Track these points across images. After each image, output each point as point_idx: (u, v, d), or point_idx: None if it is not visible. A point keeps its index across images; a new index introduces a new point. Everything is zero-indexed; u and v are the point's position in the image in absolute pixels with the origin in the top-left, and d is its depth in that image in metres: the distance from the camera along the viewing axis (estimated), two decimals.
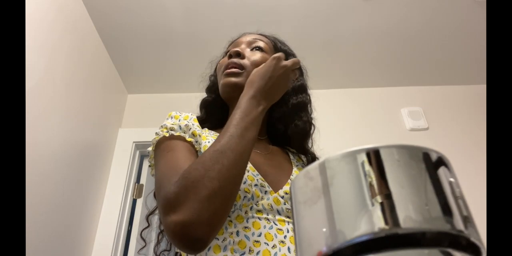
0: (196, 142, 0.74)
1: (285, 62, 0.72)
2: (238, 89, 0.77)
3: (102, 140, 1.91)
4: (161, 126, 0.76)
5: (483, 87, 2.24)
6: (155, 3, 1.78)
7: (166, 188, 0.59)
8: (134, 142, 2.03)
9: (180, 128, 0.74)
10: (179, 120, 0.77)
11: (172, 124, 0.75)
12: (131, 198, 1.91)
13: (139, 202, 1.94)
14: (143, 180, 2.02)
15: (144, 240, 0.88)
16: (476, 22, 1.90)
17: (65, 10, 1.58)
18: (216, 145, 0.60)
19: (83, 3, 1.74)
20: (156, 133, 0.75)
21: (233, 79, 0.81)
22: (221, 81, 0.84)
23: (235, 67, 0.82)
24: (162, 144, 0.73)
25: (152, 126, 2.04)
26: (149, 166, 0.80)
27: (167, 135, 0.73)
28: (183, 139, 0.73)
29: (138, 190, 1.97)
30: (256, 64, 0.81)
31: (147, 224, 0.86)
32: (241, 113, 0.65)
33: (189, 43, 1.96)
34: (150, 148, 0.78)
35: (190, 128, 0.75)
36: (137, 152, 2.06)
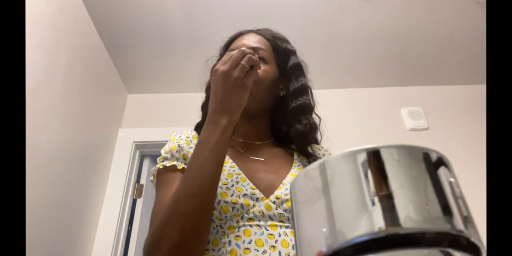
0: None
1: (221, 68, 0.67)
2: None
3: (102, 140, 1.91)
4: (160, 153, 0.79)
5: (483, 87, 2.24)
6: (155, 3, 1.78)
7: (146, 239, 0.64)
8: (134, 142, 2.03)
9: (172, 156, 0.77)
10: (173, 143, 0.79)
11: (166, 153, 0.78)
12: (131, 198, 1.91)
13: (139, 202, 1.94)
14: (143, 180, 2.02)
15: None
16: (476, 22, 1.90)
17: (65, 10, 1.58)
18: (174, 193, 0.63)
19: (83, 3, 1.74)
20: (157, 161, 0.79)
21: None
22: None
23: None
24: (158, 177, 0.77)
25: (152, 126, 2.07)
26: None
27: (161, 166, 0.76)
28: (174, 169, 0.75)
29: (138, 190, 1.97)
30: (259, 80, 0.77)
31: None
32: (197, 147, 0.65)
33: (189, 43, 1.96)
34: (151, 178, 0.81)
35: (181, 152, 0.77)
36: (137, 152, 2.06)
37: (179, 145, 0.78)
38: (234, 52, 0.68)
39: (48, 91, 1.41)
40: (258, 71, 0.75)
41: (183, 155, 0.77)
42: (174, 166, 0.75)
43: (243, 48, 0.69)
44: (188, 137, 0.82)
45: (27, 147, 1.21)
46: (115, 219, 1.77)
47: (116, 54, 2.01)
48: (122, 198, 1.83)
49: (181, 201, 0.61)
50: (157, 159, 0.79)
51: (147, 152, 2.08)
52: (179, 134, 0.83)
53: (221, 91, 0.66)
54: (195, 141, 0.80)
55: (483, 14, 1.86)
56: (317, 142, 0.91)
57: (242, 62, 0.67)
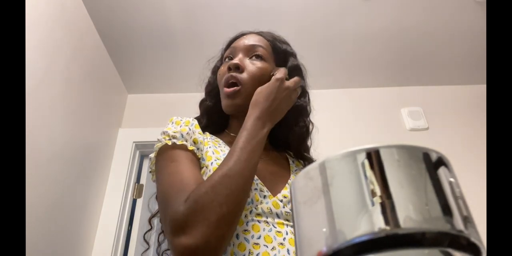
0: (198, 149, 0.75)
1: (287, 83, 0.75)
2: (238, 108, 0.81)
3: (102, 140, 1.91)
4: (163, 132, 0.76)
5: (483, 87, 2.24)
6: (155, 3, 1.78)
7: (174, 207, 0.60)
8: (134, 142, 2.03)
9: (182, 136, 0.74)
10: (181, 126, 0.76)
11: (174, 132, 0.74)
12: (131, 198, 1.91)
13: (139, 202, 1.94)
14: (143, 180, 2.02)
15: (147, 242, 0.88)
16: (476, 22, 1.90)
17: (65, 10, 1.58)
18: (224, 168, 0.62)
19: (83, 3, 1.74)
20: (158, 140, 0.75)
21: (233, 101, 0.81)
22: (222, 100, 0.84)
23: (234, 83, 0.82)
24: (165, 153, 0.73)
25: (152, 126, 2.06)
26: (150, 172, 0.79)
27: (170, 143, 0.72)
28: (185, 148, 0.73)
29: (138, 190, 1.97)
30: (254, 77, 0.81)
31: (149, 227, 0.87)
32: (248, 135, 0.67)
33: (189, 43, 1.96)
34: (152, 155, 0.77)
35: (191, 136, 0.75)
36: (137, 152, 2.06)
37: (189, 129, 0.76)
38: (298, 78, 0.79)
39: (48, 91, 1.41)
40: (252, 67, 0.83)
41: (194, 138, 0.75)
42: (185, 145, 0.73)
43: (298, 78, 0.80)
44: (192, 124, 0.79)
45: (27, 147, 1.21)
46: (115, 219, 1.76)
47: (116, 54, 2.01)
48: (122, 198, 1.83)
49: (233, 177, 0.61)
50: (159, 138, 0.75)
51: (147, 152, 2.08)
52: (180, 119, 0.80)
53: (279, 101, 0.74)
54: (197, 130, 0.79)
55: (483, 14, 1.86)
56: (307, 150, 0.91)
57: (298, 89, 0.79)
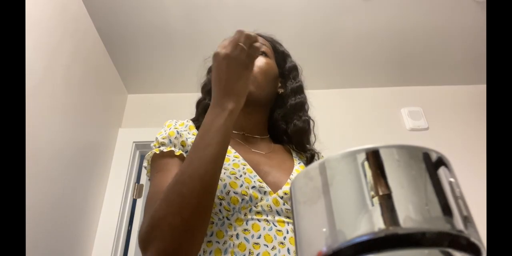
0: (186, 152, 0.74)
1: (222, 51, 0.64)
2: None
3: (102, 140, 1.91)
4: (155, 138, 0.77)
5: (483, 87, 2.24)
6: (155, 3, 1.78)
7: (142, 223, 0.61)
8: (134, 142, 2.03)
9: (170, 142, 0.75)
10: (170, 129, 0.78)
11: (163, 138, 0.76)
12: (131, 198, 1.91)
13: (139, 202, 1.94)
14: (143, 180, 2.02)
15: None
16: (476, 22, 1.90)
17: (65, 10, 1.58)
18: (177, 175, 0.60)
19: (83, 3, 1.74)
20: (151, 147, 0.77)
21: None
22: None
23: None
24: (154, 162, 0.74)
25: (152, 126, 2.06)
26: (149, 180, 0.80)
27: (158, 151, 0.73)
28: (172, 155, 0.73)
29: (138, 190, 1.97)
30: (263, 70, 0.83)
31: None
32: (202, 130, 0.63)
33: (189, 43, 1.96)
34: (145, 163, 0.78)
35: (179, 139, 0.76)
36: (137, 152, 2.06)
37: (177, 132, 0.77)
38: (235, 33, 0.66)
39: (48, 91, 1.41)
40: (261, 63, 0.80)
41: (182, 141, 0.75)
42: (172, 151, 0.73)
43: (241, 29, 0.65)
44: (186, 126, 0.81)
45: (27, 147, 1.21)
46: (115, 219, 1.77)
47: (116, 54, 2.01)
48: (122, 198, 1.83)
49: (184, 182, 0.58)
50: (152, 144, 0.76)
51: (147, 152, 2.07)
52: (174, 122, 0.81)
53: (225, 74, 0.63)
54: (192, 131, 0.80)
55: (483, 14, 1.86)
56: (309, 143, 0.92)
57: (240, 43, 0.64)
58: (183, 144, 0.75)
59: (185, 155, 0.74)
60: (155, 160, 0.74)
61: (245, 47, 0.64)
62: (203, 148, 0.60)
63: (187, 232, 0.57)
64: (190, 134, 0.78)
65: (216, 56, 0.65)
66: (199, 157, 0.59)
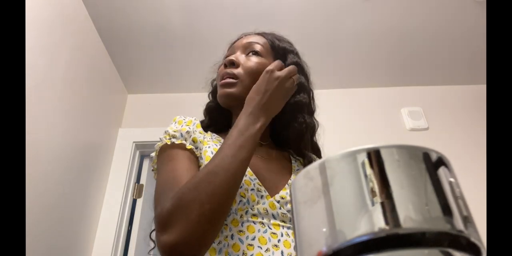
0: (197, 148, 0.76)
1: (278, 73, 0.73)
2: (234, 98, 0.81)
3: (102, 140, 1.91)
4: (165, 131, 0.78)
5: (483, 87, 2.24)
6: (155, 3, 1.78)
7: (161, 204, 0.61)
8: (134, 142, 2.03)
9: (182, 136, 0.76)
10: (182, 126, 0.78)
11: (174, 132, 0.76)
12: (131, 198, 1.91)
13: (139, 202, 1.94)
14: (143, 180, 2.02)
15: (153, 241, 0.89)
16: (476, 22, 1.90)
17: (65, 10, 1.58)
18: (210, 165, 0.62)
19: (83, 3, 1.74)
20: (160, 139, 0.77)
21: (227, 90, 0.82)
22: (218, 92, 0.85)
23: (229, 77, 0.82)
24: (164, 152, 0.75)
25: (152, 126, 2.06)
26: (152, 170, 0.82)
27: (169, 142, 0.75)
28: (183, 147, 0.74)
29: (138, 190, 1.97)
30: (250, 71, 0.82)
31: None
32: (237, 132, 0.66)
33: (189, 43, 1.96)
34: (153, 154, 0.80)
35: (191, 135, 0.77)
36: (137, 152, 2.06)
37: (189, 128, 0.78)
38: (292, 67, 0.76)
39: (48, 91, 1.41)
40: (248, 62, 0.83)
41: (193, 138, 0.77)
42: (183, 144, 0.75)
43: (294, 66, 0.77)
44: (194, 124, 0.81)
45: (27, 147, 1.21)
46: (115, 219, 1.76)
47: (116, 54, 2.01)
48: (122, 198, 1.83)
49: (217, 174, 0.60)
50: (161, 137, 0.77)
51: (147, 152, 2.08)
52: (183, 118, 0.82)
53: (271, 93, 0.71)
54: (198, 129, 0.81)
55: (483, 14, 1.86)
56: (308, 149, 0.89)
57: (294, 77, 0.75)
58: (194, 140, 0.77)
59: (195, 150, 0.76)
60: (165, 150, 0.75)
61: (295, 81, 0.75)
62: (237, 148, 0.64)
63: (211, 221, 0.58)
64: (197, 132, 0.79)
65: (271, 72, 0.73)
66: (233, 155, 0.63)
